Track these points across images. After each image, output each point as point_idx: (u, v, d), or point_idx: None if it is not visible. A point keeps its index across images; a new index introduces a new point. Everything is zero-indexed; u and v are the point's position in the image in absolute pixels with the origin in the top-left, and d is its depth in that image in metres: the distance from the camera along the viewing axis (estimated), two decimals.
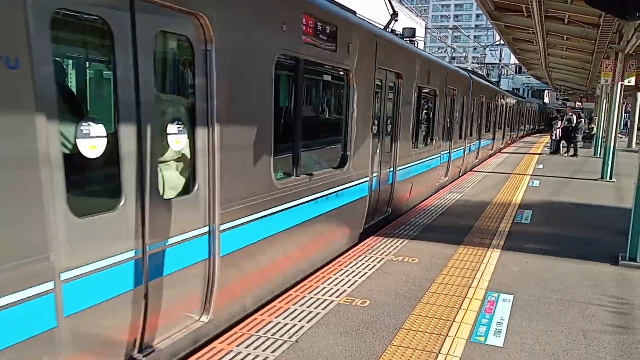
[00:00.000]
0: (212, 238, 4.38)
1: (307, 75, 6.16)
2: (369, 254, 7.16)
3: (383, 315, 5.18)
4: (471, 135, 17.03)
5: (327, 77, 7.08)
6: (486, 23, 41.12)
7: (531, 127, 44.67)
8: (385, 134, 8.61)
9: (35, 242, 2.90)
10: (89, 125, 3.22)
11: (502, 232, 8.71)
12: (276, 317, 5.00)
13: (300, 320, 4.96)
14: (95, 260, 3.32)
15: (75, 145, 3.19)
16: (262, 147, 4.98)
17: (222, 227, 4.44)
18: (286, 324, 4.87)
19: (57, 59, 3.61)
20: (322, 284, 5.95)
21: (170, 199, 3.96)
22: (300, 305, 5.31)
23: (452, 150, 14.19)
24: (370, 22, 7.81)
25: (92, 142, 3.24)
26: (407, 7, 48.96)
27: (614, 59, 16.23)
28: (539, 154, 24.30)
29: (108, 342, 3.55)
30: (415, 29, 11.88)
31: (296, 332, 4.74)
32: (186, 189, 4.20)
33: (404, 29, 11.41)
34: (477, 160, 19.23)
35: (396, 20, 10.09)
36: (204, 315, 4.47)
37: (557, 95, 58.95)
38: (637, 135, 31.97)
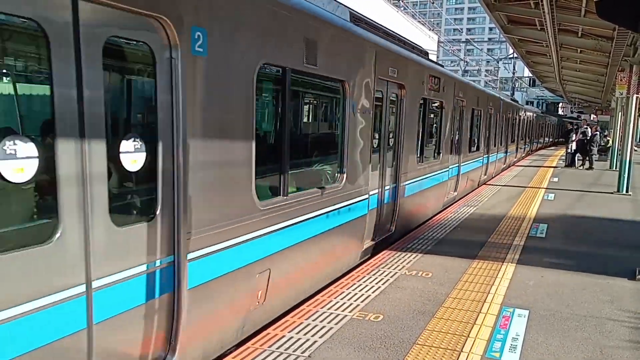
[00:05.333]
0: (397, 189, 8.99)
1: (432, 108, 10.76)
2: (382, 268, 7.14)
3: (397, 330, 5.15)
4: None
5: (437, 108, 11.19)
6: (499, 36, 41.10)
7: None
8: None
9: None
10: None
11: (517, 246, 8.63)
12: (289, 332, 5.00)
13: (313, 335, 4.95)
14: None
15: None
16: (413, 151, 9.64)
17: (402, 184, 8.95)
18: (299, 339, 4.86)
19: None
20: (335, 298, 5.94)
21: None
22: (314, 320, 5.30)
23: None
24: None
25: None
26: (419, 21, 49.12)
27: (628, 72, 16.13)
28: (554, 167, 24.11)
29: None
30: None
31: (309, 347, 4.72)
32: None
33: None
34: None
35: None
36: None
37: (571, 107, 58.58)
38: None
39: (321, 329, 5.11)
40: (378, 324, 5.28)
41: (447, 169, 12.04)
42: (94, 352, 3.24)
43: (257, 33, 4.62)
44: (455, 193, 13.25)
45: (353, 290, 6.24)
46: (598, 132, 25.15)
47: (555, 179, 18.80)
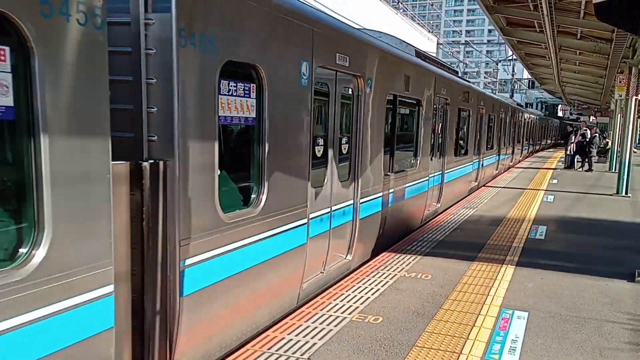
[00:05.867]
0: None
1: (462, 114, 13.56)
2: (382, 270, 7.14)
3: (396, 333, 5.15)
4: None
5: (466, 115, 14.03)
6: (498, 38, 41.11)
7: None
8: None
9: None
10: None
11: (516, 248, 8.64)
12: (288, 334, 5.00)
13: (312, 338, 4.95)
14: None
15: None
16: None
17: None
18: (298, 341, 4.86)
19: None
20: (334, 300, 5.94)
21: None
22: (313, 322, 5.30)
23: None
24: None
25: None
26: (418, 24, 49.17)
27: (627, 74, 16.14)
28: (553, 168, 24.11)
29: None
30: None
31: (308, 349, 4.72)
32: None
33: None
34: None
35: None
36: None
37: (570, 109, 58.56)
38: None
39: (320, 331, 5.11)
40: (377, 326, 5.28)
41: (472, 162, 14.95)
42: (331, 242, 6.45)
43: (388, 76, 7.71)
44: (476, 183, 16.09)
45: (352, 292, 6.24)
46: (597, 134, 25.14)
47: (555, 181, 18.81)
